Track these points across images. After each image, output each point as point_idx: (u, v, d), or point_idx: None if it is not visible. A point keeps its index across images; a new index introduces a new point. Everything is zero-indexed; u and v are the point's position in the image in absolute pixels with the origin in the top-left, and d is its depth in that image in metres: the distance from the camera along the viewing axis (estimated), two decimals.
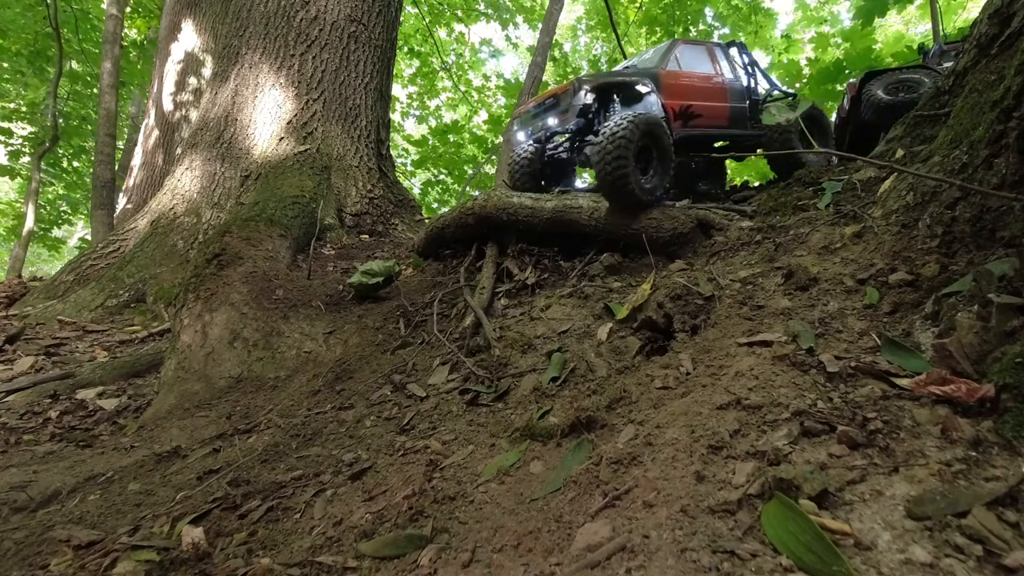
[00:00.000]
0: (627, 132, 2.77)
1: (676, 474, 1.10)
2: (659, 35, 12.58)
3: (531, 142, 3.91)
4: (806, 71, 10.33)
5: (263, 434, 2.11)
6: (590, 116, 3.63)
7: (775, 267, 2.14)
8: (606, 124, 2.90)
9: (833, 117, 5.96)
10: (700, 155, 3.74)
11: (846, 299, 1.71)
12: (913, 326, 1.46)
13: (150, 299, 4.41)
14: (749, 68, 4.64)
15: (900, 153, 2.72)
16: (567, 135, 3.83)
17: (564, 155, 3.90)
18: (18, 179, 12.16)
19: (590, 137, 3.57)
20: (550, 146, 3.93)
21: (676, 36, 12.45)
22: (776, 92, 4.93)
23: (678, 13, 12.18)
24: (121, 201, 8.02)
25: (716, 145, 4.65)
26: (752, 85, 4.58)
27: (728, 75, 4.41)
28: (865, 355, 1.38)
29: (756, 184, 5.93)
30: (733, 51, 4.66)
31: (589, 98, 3.54)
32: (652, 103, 3.75)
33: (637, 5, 12.74)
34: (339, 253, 4.21)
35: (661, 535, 0.94)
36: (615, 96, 3.73)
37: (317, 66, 5.11)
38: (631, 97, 3.75)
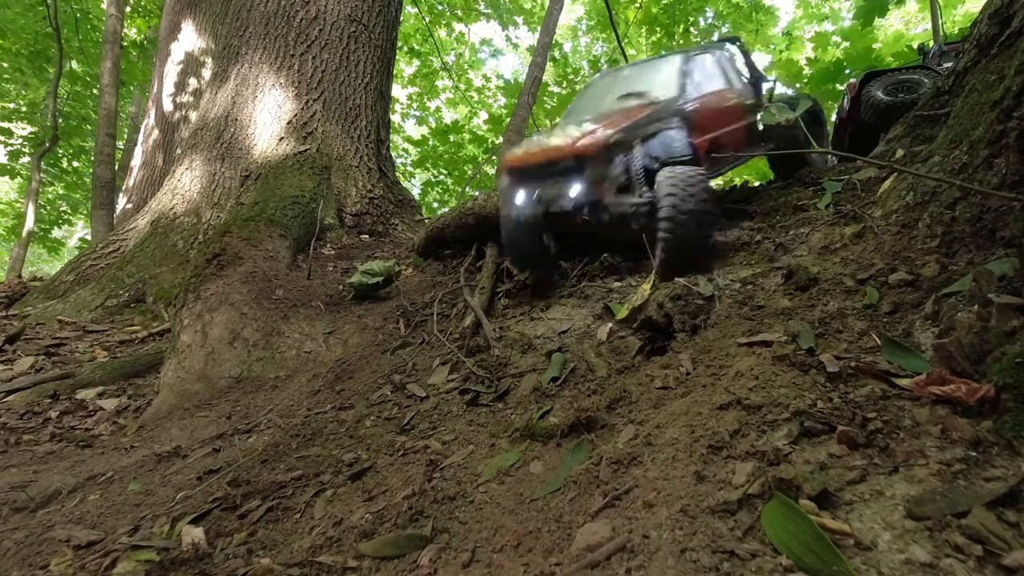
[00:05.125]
0: (705, 190, 2.34)
1: (676, 474, 1.10)
2: (659, 35, 12.56)
3: (532, 207, 2.79)
4: (806, 71, 10.33)
5: (263, 434, 2.11)
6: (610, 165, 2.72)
7: (775, 267, 2.14)
8: (665, 183, 2.37)
9: (833, 117, 5.95)
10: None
11: (846, 299, 1.71)
12: (913, 326, 1.45)
13: (150, 299, 4.41)
14: (748, 66, 4.01)
15: (900, 153, 2.72)
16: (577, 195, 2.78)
17: (584, 217, 2.73)
18: (18, 179, 12.16)
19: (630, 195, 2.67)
20: (555, 208, 2.77)
21: (676, 36, 12.43)
22: (768, 87, 4.14)
23: (678, 13, 12.16)
24: (121, 201, 8.01)
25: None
26: (756, 86, 3.94)
27: (739, 85, 3.78)
28: (865, 355, 1.38)
29: (756, 184, 5.92)
30: (732, 49, 4.04)
31: (621, 158, 2.70)
32: (673, 139, 2.91)
33: (637, 5, 12.73)
34: (339, 253, 4.21)
35: (661, 535, 0.94)
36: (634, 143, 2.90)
37: (317, 66, 5.11)
38: (648, 136, 2.91)
